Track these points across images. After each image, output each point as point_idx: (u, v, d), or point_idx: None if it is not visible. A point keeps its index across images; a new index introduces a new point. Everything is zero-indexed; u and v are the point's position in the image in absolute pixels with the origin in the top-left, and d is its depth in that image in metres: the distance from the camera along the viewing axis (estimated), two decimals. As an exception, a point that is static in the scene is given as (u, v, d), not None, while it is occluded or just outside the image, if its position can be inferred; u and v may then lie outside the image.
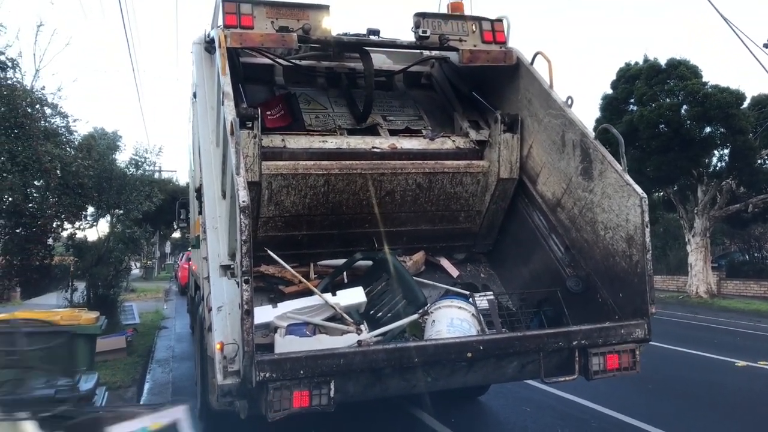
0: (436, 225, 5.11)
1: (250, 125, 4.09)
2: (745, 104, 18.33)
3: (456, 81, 5.65)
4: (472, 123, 5.26)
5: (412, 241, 5.01)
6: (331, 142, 4.79)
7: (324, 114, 5.20)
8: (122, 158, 12.18)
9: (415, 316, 3.92)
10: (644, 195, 3.82)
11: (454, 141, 5.13)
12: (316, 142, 4.74)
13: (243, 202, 3.08)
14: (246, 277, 3.01)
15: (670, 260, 24.08)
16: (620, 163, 4.03)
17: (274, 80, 5.43)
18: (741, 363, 8.40)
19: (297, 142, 4.69)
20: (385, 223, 4.81)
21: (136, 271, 35.48)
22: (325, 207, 4.69)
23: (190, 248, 10.74)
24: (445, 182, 4.91)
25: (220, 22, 4.50)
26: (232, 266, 3.42)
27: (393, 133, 5.14)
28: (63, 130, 10.37)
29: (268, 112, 4.89)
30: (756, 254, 24.15)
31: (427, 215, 5.03)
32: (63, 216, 10.18)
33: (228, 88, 4.00)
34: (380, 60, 5.68)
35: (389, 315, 4.11)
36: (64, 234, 11.05)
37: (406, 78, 5.78)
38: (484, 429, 5.56)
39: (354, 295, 4.12)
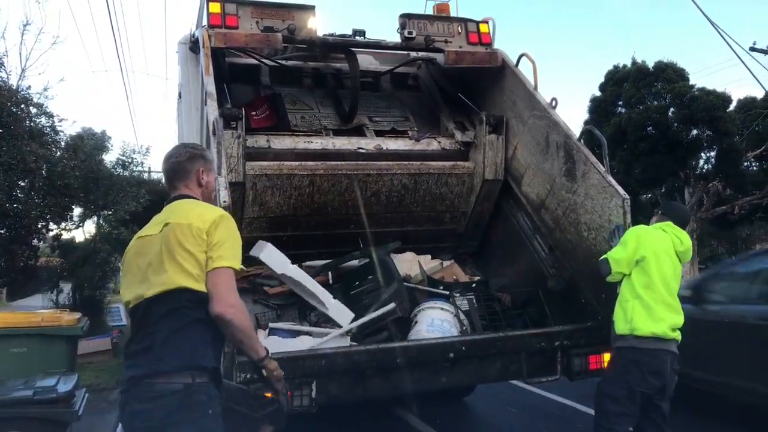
0: (421, 226, 5.11)
1: (234, 125, 4.08)
2: (732, 107, 18.48)
3: (442, 82, 5.67)
4: (458, 124, 5.27)
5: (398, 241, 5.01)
6: (317, 143, 4.79)
7: (310, 114, 5.19)
8: (110, 158, 12.09)
9: (391, 306, 3.85)
10: (626, 196, 3.84)
11: (439, 142, 5.14)
12: (301, 143, 4.74)
13: (224, 202, 3.07)
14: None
15: (658, 262, 24.23)
16: (603, 165, 4.06)
17: (260, 80, 5.41)
18: (725, 363, 8.45)
19: (282, 142, 4.68)
20: (370, 224, 4.81)
21: (124, 272, 35.22)
22: (310, 208, 4.68)
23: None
24: (430, 183, 4.92)
25: (205, 22, 4.49)
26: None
27: (379, 133, 5.13)
28: (48, 130, 10.27)
29: (253, 112, 4.87)
30: (742, 256, 24.39)
31: (413, 216, 5.03)
32: (48, 217, 10.09)
33: (211, 88, 3.98)
34: (367, 61, 5.69)
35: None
36: (50, 235, 10.95)
37: (393, 79, 5.79)
38: (469, 430, 5.57)
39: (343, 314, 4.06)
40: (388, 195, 4.83)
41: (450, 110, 5.41)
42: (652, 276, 3.37)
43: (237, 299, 2.15)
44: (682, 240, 3.57)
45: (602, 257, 3.60)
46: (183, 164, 2.42)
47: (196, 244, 2.13)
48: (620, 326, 3.38)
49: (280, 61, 5.36)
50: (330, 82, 5.50)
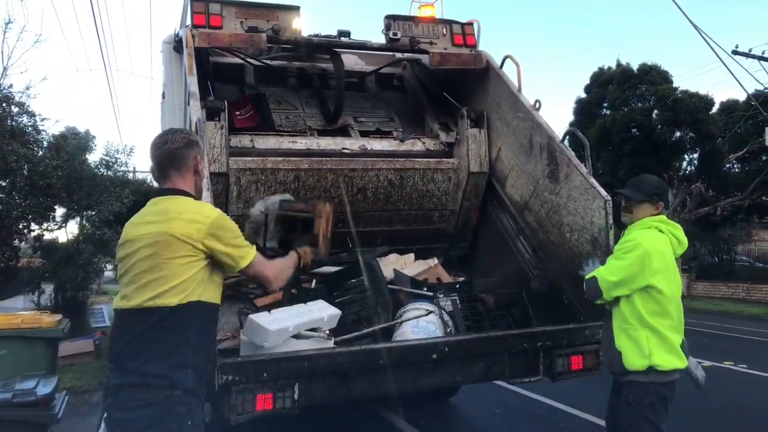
0: (410, 225, 5.08)
1: (217, 118, 4.08)
2: (714, 109, 18.74)
3: (427, 83, 5.68)
4: (443, 125, 5.29)
5: (387, 243, 4.98)
6: (301, 143, 4.77)
7: (294, 114, 5.18)
8: (93, 158, 11.97)
9: (385, 325, 3.86)
10: (608, 197, 3.87)
11: (424, 143, 5.15)
12: (285, 143, 4.72)
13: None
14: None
15: (642, 262, 24.45)
16: (586, 166, 4.09)
17: (245, 80, 5.39)
18: (706, 363, 8.57)
19: (266, 142, 4.66)
20: (358, 223, 4.78)
21: (108, 273, 34.88)
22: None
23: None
24: (416, 179, 4.91)
25: (189, 22, 4.46)
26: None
27: (364, 134, 5.13)
28: (30, 129, 10.15)
29: (237, 112, 4.84)
30: (725, 256, 24.68)
31: (401, 215, 5.01)
32: (30, 217, 9.96)
33: (194, 87, 3.96)
34: (352, 61, 5.68)
35: (357, 319, 4.07)
36: (32, 235, 10.81)
37: (378, 79, 5.80)
38: (452, 430, 5.59)
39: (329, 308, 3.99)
40: (375, 192, 4.80)
41: (435, 111, 5.42)
42: (663, 304, 2.92)
43: (272, 272, 2.50)
44: (680, 239, 3.10)
45: (590, 275, 3.08)
46: (180, 151, 2.28)
47: (186, 253, 2.09)
48: (635, 361, 2.91)
49: (265, 61, 5.34)
50: (315, 82, 5.49)
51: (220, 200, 4.23)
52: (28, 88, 10.36)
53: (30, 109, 10.18)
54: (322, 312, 3.69)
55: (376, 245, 4.70)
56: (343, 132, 5.09)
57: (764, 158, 17.94)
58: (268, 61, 5.36)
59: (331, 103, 5.15)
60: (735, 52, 15.84)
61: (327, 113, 5.18)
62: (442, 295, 4.09)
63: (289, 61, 5.53)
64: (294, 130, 4.96)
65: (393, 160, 4.84)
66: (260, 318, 3.43)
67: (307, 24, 4.74)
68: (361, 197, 4.79)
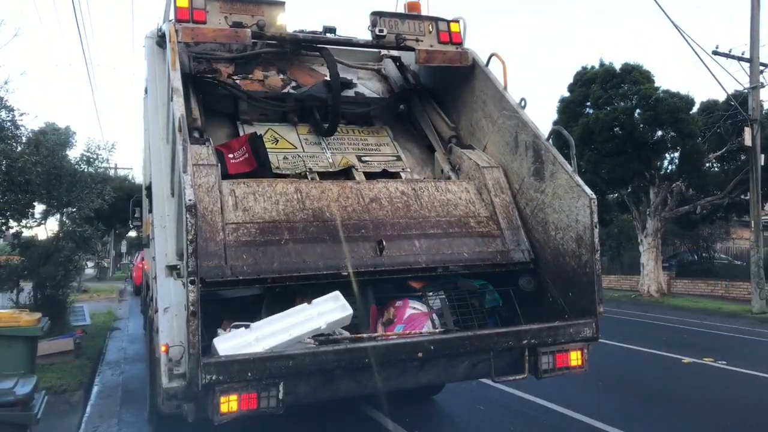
0: (450, 233, 4.24)
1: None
2: (695, 109, 18.95)
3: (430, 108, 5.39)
4: (454, 167, 4.92)
5: (433, 259, 4.04)
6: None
7: (293, 154, 4.74)
8: (74, 154, 11.78)
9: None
10: (593, 196, 3.89)
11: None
12: None
13: (189, 200, 3.01)
14: (192, 278, 2.94)
15: (624, 260, 24.74)
16: (571, 165, 4.11)
17: (239, 114, 4.98)
18: (687, 360, 8.69)
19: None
20: (384, 229, 4.05)
21: (89, 270, 34.45)
22: (305, 213, 3.98)
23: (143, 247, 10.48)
24: (431, 190, 4.46)
25: (172, 16, 4.41)
26: (178, 266, 3.33)
27: (369, 176, 4.66)
28: (9, 124, 9.94)
29: (231, 155, 4.43)
30: (704, 254, 24.99)
31: (431, 222, 4.23)
32: (8, 213, 9.79)
33: (177, 83, 3.91)
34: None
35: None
36: (10, 232, 10.63)
37: (382, 110, 5.43)
38: (438, 428, 5.59)
39: (337, 309, 3.57)
40: (390, 200, 4.25)
41: (445, 149, 5.07)
42: None
43: None
44: None
45: None
46: None
47: None
48: None
49: (244, 57, 5.26)
50: (315, 115, 5.05)
51: (212, 195, 3.76)
52: (6, 83, 10.14)
53: (8, 104, 9.96)
54: (321, 319, 3.46)
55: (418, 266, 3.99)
56: (347, 175, 4.66)
57: (743, 157, 18.11)
58: (249, 59, 5.28)
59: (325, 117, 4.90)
60: (715, 53, 16.05)
61: (320, 130, 4.89)
62: (431, 294, 4.07)
63: (282, 84, 5.17)
64: (294, 174, 4.52)
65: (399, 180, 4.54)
66: (223, 342, 3.27)
67: (292, 20, 4.70)
68: (377, 205, 4.18)
